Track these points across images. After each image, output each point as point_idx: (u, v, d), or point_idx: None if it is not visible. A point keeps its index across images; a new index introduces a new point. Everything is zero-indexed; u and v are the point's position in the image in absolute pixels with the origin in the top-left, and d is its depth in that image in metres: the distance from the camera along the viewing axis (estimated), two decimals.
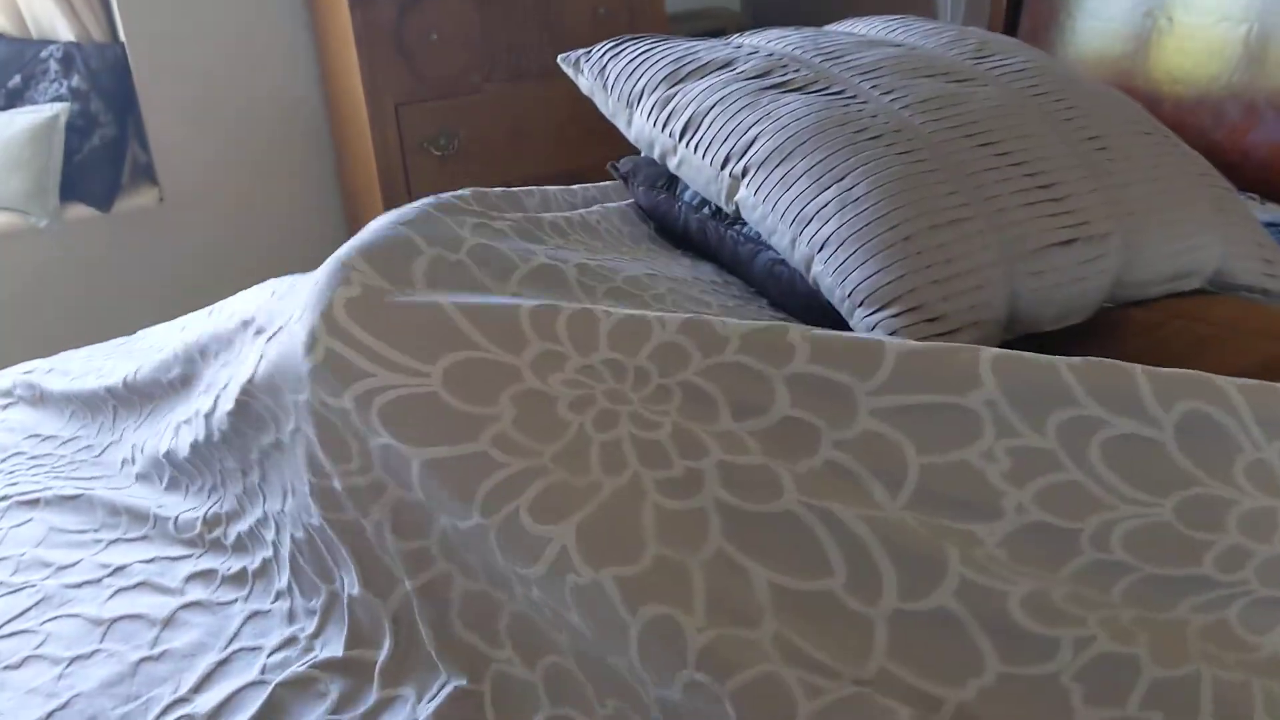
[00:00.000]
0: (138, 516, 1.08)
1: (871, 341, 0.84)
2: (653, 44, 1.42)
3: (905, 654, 0.71)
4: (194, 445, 1.06)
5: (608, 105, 1.42)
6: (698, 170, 1.25)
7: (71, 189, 2.42)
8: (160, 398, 1.19)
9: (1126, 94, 1.33)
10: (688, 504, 0.78)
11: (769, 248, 1.21)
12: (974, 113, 1.15)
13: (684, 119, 1.27)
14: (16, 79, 2.45)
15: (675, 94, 1.30)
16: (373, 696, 0.84)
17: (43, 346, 1.37)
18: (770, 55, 1.32)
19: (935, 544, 0.74)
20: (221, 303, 1.23)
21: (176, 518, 1.07)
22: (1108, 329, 1.13)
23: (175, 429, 1.11)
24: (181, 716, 0.83)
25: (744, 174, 1.18)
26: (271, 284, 1.17)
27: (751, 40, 1.43)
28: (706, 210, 1.31)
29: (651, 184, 1.41)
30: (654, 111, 1.32)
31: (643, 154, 1.46)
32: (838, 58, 1.29)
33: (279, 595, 0.95)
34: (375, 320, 0.90)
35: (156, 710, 0.84)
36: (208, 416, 1.04)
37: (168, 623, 0.93)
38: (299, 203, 2.72)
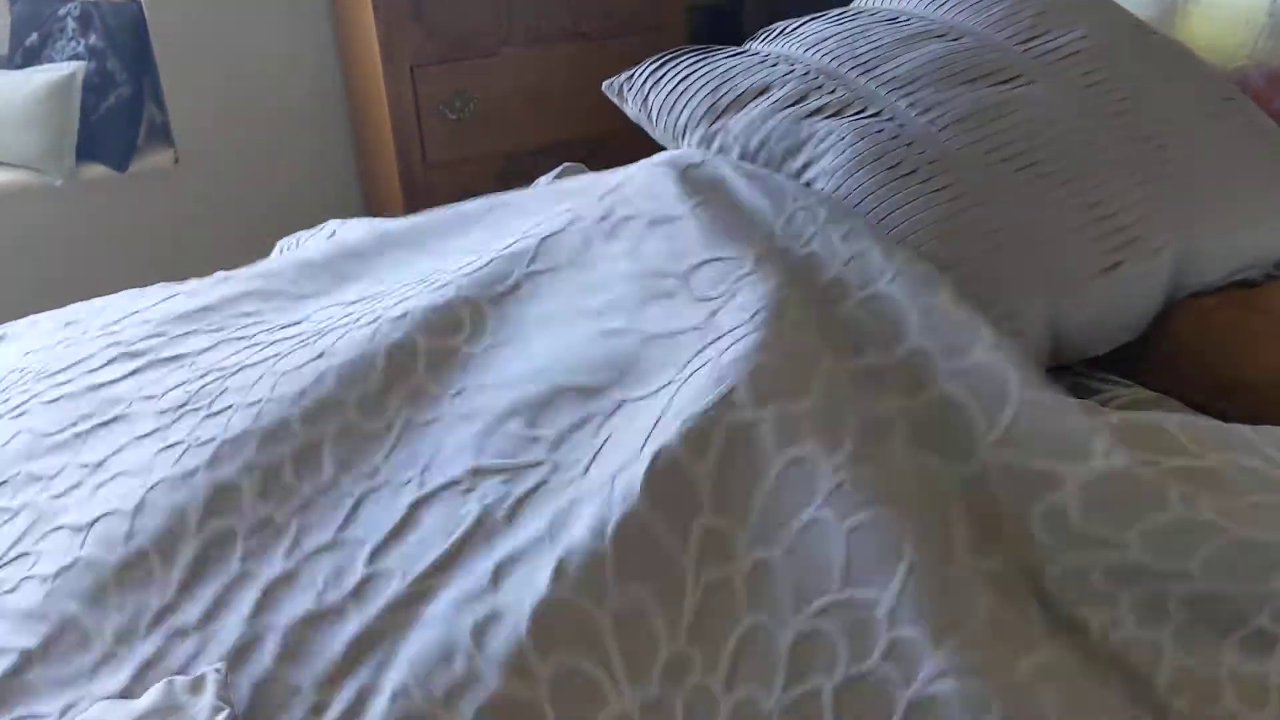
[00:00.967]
0: None
1: None
2: (689, 68, 1.38)
3: None
4: None
5: (657, 134, 1.42)
6: None
7: (88, 148, 2.42)
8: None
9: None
10: None
11: None
12: (1016, 128, 1.13)
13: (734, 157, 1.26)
14: (34, 37, 2.45)
15: (717, 130, 1.29)
16: None
17: (57, 305, 1.37)
18: (806, 74, 1.29)
19: None
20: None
21: None
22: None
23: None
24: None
25: None
26: (280, 244, 1.16)
27: (785, 49, 1.39)
28: None
29: None
30: (701, 147, 1.31)
31: None
32: (873, 68, 1.26)
33: None
34: None
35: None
36: None
37: None
38: (314, 164, 2.71)
